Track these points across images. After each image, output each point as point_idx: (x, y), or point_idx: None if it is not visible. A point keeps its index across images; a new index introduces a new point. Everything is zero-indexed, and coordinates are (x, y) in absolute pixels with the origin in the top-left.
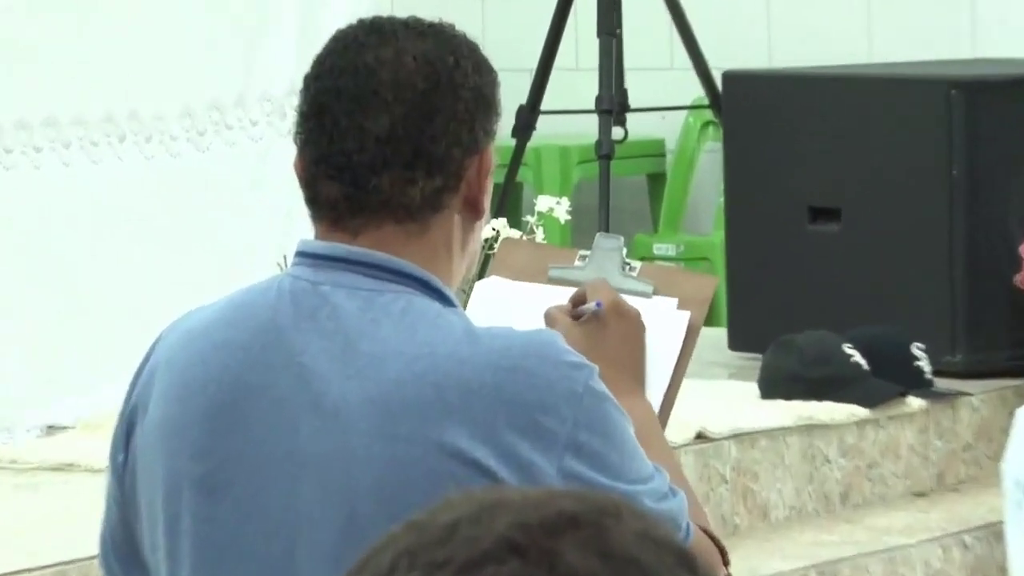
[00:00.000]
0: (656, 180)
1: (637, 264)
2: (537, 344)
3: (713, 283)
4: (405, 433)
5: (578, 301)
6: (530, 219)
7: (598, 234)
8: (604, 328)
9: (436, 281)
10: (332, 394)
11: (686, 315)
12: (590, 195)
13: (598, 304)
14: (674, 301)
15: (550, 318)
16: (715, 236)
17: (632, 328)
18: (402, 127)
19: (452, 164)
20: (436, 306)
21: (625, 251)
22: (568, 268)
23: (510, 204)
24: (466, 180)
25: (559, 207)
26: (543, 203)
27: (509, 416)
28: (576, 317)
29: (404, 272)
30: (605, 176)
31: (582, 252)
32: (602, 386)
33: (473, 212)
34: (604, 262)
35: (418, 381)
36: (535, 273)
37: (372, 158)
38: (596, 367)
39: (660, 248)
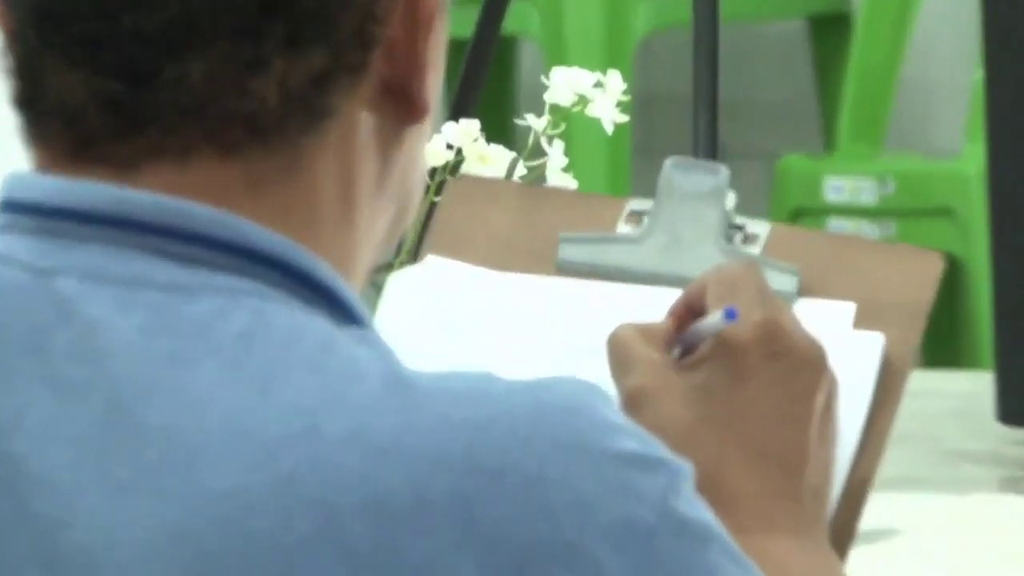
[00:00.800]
0: (829, 29)
1: (761, 230)
2: (552, 410)
3: (937, 266)
4: None
5: (688, 307)
6: (532, 122)
7: (669, 161)
8: (737, 374)
9: (317, 267)
10: (82, 528)
11: (879, 340)
12: (672, 63)
13: (728, 313)
14: (850, 308)
15: (622, 347)
16: (963, 160)
17: (804, 379)
18: None
19: (347, 16)
20: (319, 324)
21: (734, 200)
22: (605, 238)
23: (493, 90)
24: (380, 46)
25: (603, 92)
26: (564, 83)
27: (485, 567)
28: (685, 349)
29: (246, 248)
30: (708, 16)
31: (634, 205)
32: (699, 509)
33: (403, 109)
34: (686, 224)
35: (280, 499)
36: (533, 249)
37: (166, 20)
38: (688, 467)
39: (836, 186)
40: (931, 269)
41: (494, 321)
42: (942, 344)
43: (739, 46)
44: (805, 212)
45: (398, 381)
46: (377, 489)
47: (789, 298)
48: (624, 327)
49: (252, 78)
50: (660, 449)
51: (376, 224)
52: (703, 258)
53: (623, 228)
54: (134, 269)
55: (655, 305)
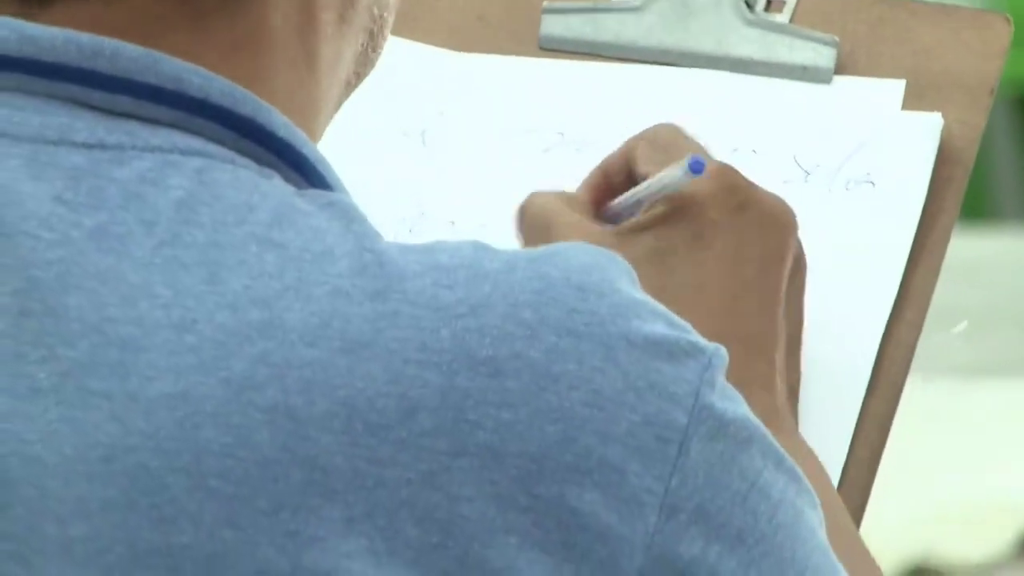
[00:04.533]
0: None
1: None
2: (561, 288)
3: (1005, 30)
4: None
5: (606, 179)
6: None
7: None
8: (697, 232)
9: (271, 117)
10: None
11: (936, 122)
12: None
13: (694, 164)
14: (899, 86)
15: (543, 214)
16: None
17: (772, 239)
18: None
19: None
20: (275, 189)
21: None
22: (596, 7)
23: None
24: None
25: None
26: None
27: (485, 483)
28: (611, 215)
29: (184, 96)
30: None
31: None
32: (737, 402)
33: None
34: None
35: (234, 406)
36: (509, 25)
37: None
38: (722, 352)
39: None
40: (997, 34)
41: (466, 117)
42: None
43: None
44: None
45: (373, 258)
46: (351, 392)
47: (825, 75)
48: (540, 193)
49: None
50: (691, 332)
51: (342, 59)
52: (718, 28)
53: None
54: (48, 124)
55: (658, 88)
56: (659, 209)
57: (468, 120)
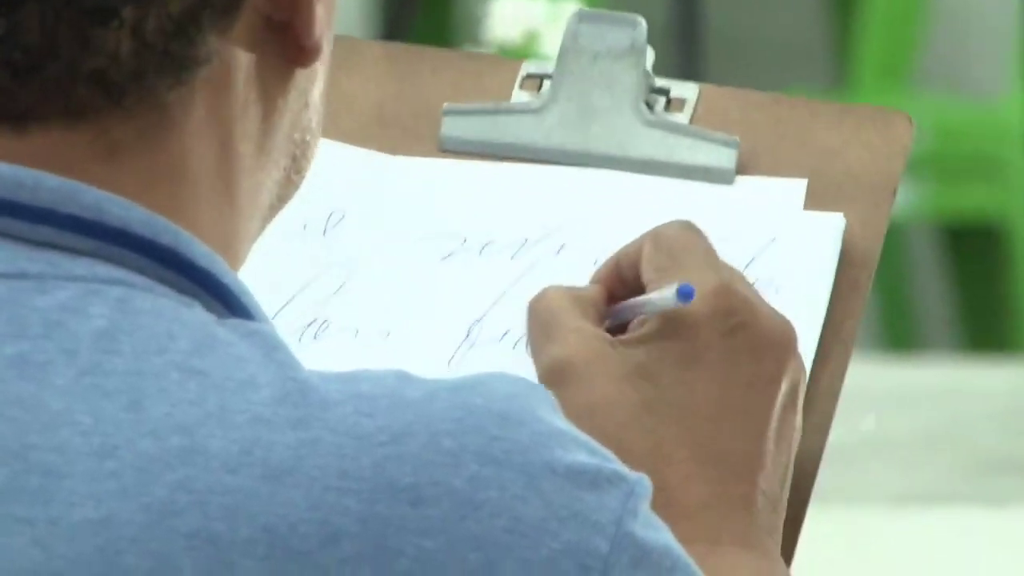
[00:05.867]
0: None
1: (689, 92)
2: (483, 416)
3: (906, 130)
4: None
5: (618, 273)
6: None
7: (574, 12)
8: (686, 353)
9: (190, 246)
10: None
11: (838, 222)
12: None
13: (683, 293)
14: (800, 185)
15: (548, 313)
16: (1006, 105)
17: (767, 361)
18: None
19: None
20: (196, 318)
21: (653, 57)
22: (497, 108)
23: (430, 18)
24: None
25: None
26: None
27: None
28: (615, 326)
29: (103, 226)
30: None
31: (532, 67)
32: (659, 530)
33: (290, 48)
34: (597, 88)
35: (156, 532)
36: (409, 124)
37: None
38: (645, 481)
39: None
40: (899, 133)
41: (368, 218)
42: (980, 328)
43: None
44: None
45: (294, 386)
46: (273, 519)
47: (727, 176)
48: (552, 289)
49: (96, 29)
50: (613, 461)
51: (262, 188)
52: (620, 129)
53: (519, 96)
54: None
55: (559, 188)
56: (654, 325)
57: (370, 221)
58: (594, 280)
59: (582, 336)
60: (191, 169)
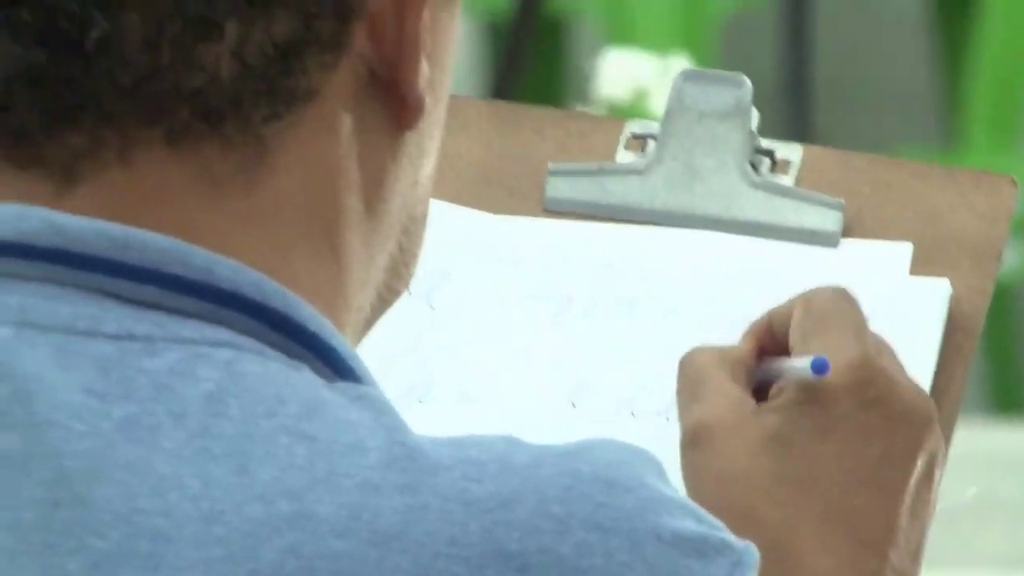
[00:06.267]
0: (954, 5)
1: (794, 154)
2: (590, 483)
3: (1011, 193)
4: None
5: (770, 330)
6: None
7: (680, 73)
8: (822, 425)
9: (298, 308)
10: None
11: (944, 287)
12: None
13: (816, 366)
14: (905, 249)
15: (696, 372)
16: None
17: (903, 436)
18: None
19: None
20: (305, 381)
21: (758, 119)
22: (602, 169)
23: (540, 75)
24: (361, 19)
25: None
26: (621, 69)
27: None
28: (760, 387)
29: (212, 288)
30: None
31: (637, 127)
32: None
33: (395, 105)
34: (702, 149)
35: None
36: (513, 184)
37: None
38: (753, 551)
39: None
40: (1003, 197)
41: (474, 280)
42: None
43: (847, 25)
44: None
45: (403, 451)
46: None
47: (832, 239)
48: (702, 349)
49: (199, 44)
50: (720, 529)
51: (373, 262)
52: (724, 190)
53: (624, 156)
54: (78, 314)
55: (664, 249)
56: (791, 393)
57: (475, 283)
58: (747, 334)
59: (727, 400)
60: (290, 213)
